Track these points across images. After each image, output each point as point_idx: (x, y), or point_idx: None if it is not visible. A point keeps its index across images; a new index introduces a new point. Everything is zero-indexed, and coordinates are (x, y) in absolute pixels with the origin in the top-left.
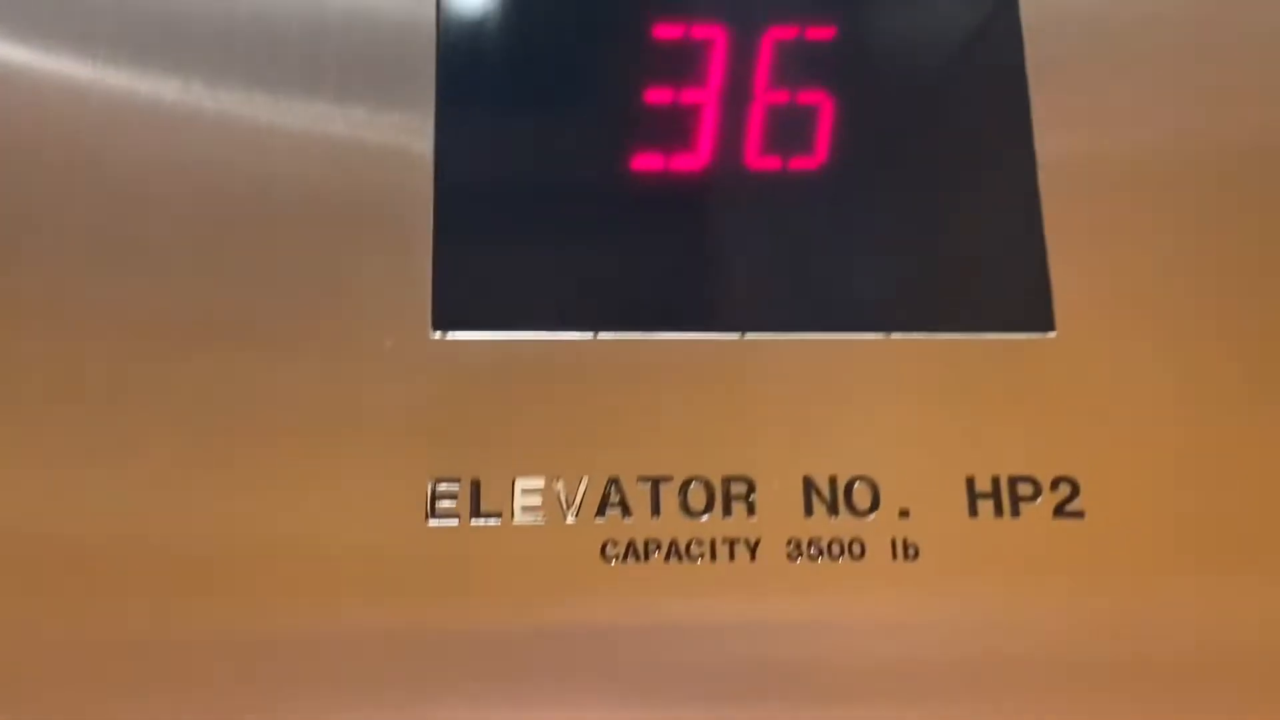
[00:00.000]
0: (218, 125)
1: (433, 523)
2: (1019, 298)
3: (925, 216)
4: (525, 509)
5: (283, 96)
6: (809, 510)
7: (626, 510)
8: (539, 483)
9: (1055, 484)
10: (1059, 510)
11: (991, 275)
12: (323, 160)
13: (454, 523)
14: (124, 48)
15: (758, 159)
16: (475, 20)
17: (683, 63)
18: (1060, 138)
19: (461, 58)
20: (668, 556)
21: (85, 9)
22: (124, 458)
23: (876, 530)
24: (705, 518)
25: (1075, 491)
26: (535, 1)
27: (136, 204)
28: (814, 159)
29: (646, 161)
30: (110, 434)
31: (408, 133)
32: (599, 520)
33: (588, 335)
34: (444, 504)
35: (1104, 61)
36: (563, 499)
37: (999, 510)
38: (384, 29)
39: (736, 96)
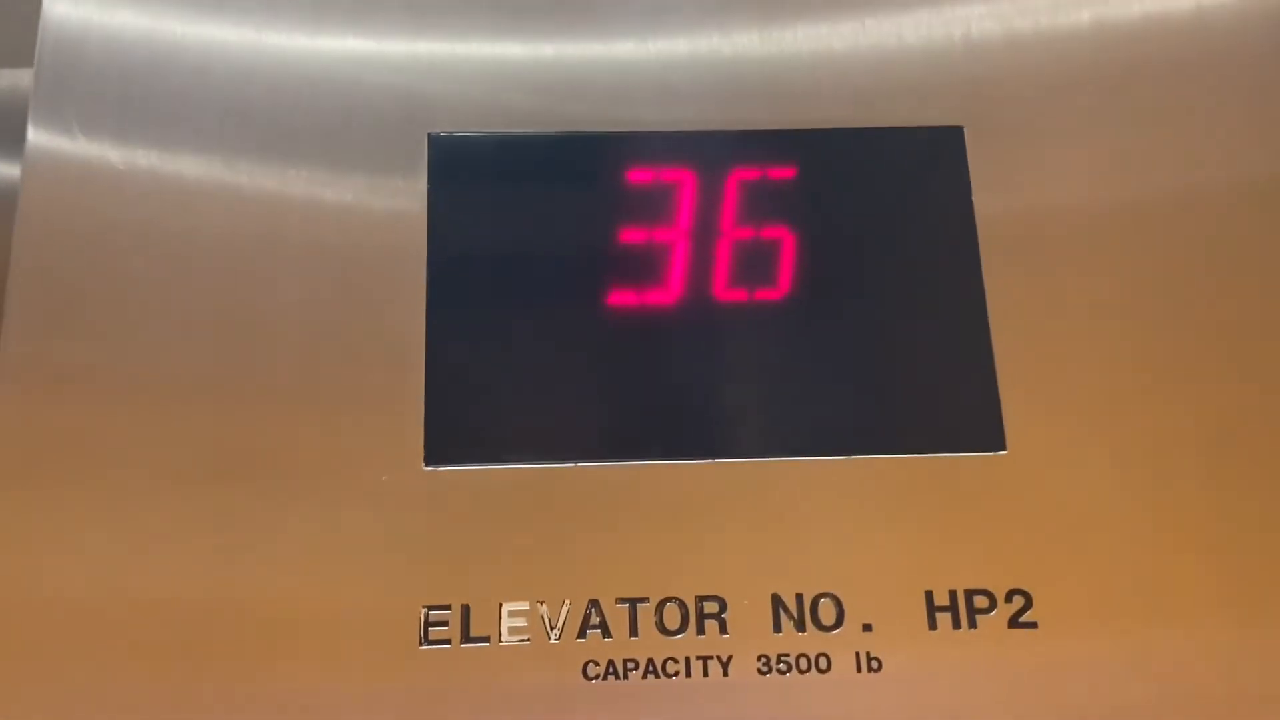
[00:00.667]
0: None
1: (425, 648)
2: (971, 419)
3: (882, 343)
4: (512, 630)
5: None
6: (777, 627)
7: (606, 631)
8: (524, 606)
9: (1009, 596)
10: (1013, 621)
11: (945, 398)
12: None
13: (446, 647)
14: (152, 127)
15: (725, 291)
16: (462, 177)
17: (654, 204)
18: (1006, 265)
19: (449, 210)
20: (646, 674)
21: (119, 96)
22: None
23: (841, 644)
24: (680, 636)
25: (1029, 603)
26: (519, 152)
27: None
28: (778, 290)
29: (622, 297)
30: (111, 542)
31: (401, 280)
32: (580, 641)
33: (568, 465)
34: (436, 630)
35: (1049, 189)
36: (546, 621)
37: (957, 623)
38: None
39: (705, 233)
